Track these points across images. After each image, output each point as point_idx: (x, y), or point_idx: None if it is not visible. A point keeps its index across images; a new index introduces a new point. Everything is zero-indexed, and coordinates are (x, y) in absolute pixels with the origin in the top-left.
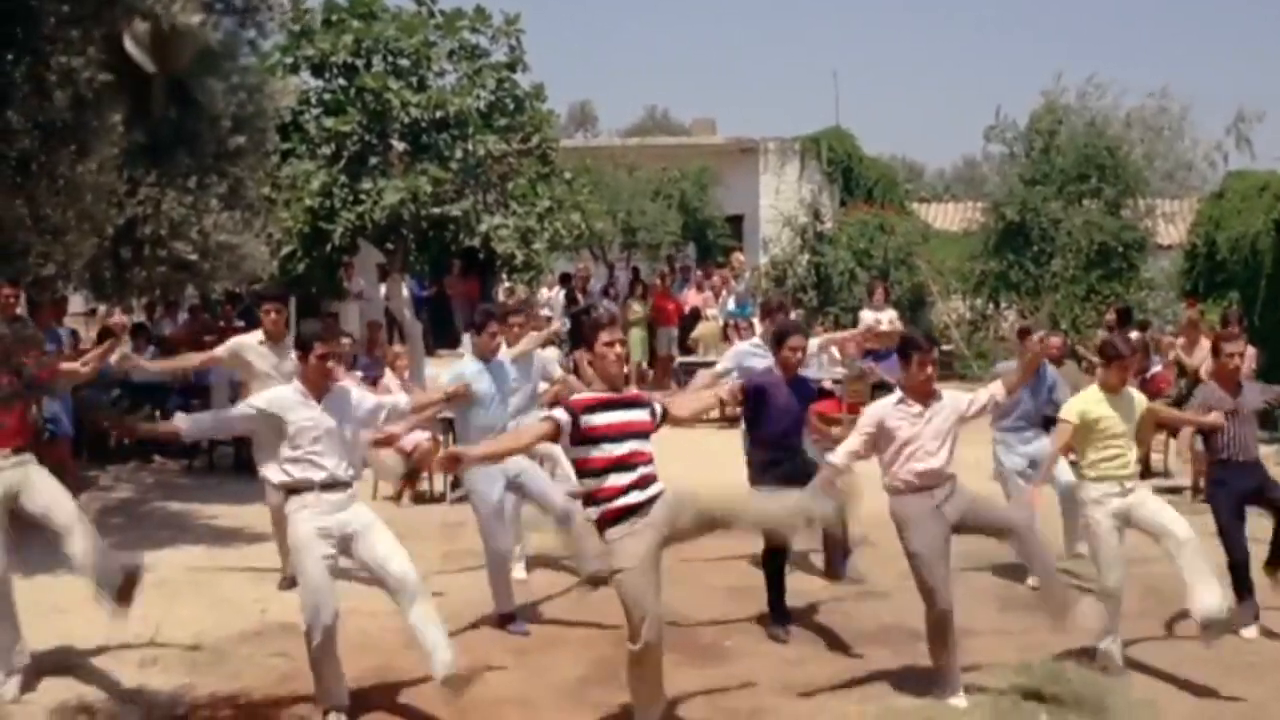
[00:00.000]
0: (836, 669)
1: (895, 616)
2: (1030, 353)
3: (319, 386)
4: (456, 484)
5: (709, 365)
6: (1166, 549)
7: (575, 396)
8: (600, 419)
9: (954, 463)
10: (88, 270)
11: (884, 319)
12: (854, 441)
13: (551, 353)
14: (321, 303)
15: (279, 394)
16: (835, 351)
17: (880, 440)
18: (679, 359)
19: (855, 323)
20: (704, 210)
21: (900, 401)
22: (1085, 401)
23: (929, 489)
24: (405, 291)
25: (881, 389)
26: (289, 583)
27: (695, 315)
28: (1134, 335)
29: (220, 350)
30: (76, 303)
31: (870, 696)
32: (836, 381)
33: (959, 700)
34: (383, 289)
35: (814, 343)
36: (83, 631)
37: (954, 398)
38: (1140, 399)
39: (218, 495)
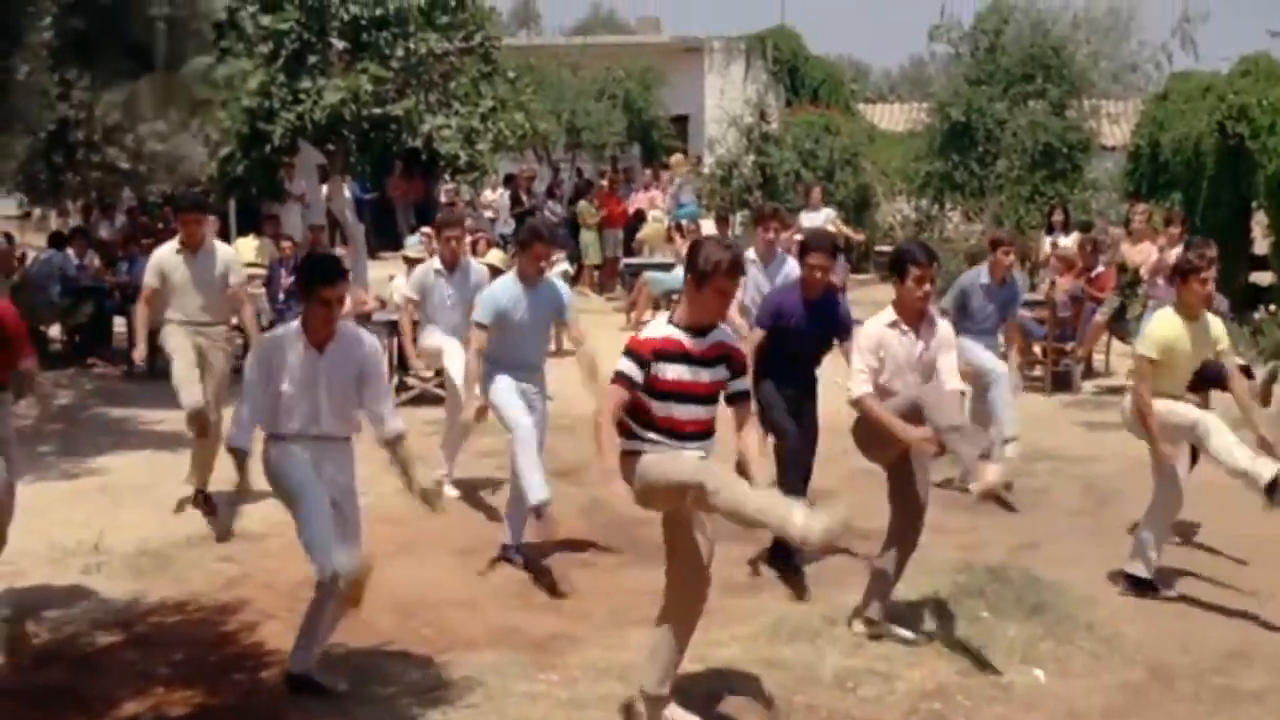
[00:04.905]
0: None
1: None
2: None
3: (320, 333)
4: (402, 387)
5: (654, 267)
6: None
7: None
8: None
9: None
10: (21, 173)
11: (820, 219)
12: (861, 365)
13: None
14: (262, 205)
15: (278, 337)
16: None
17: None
18: (624, 260)
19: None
20: (649, 110)
21: (892, 324)
22: (1166, 330)
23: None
24: (347, 193)
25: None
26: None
27: (640, 216)
28: (1075, 236)
29: (149, 279)
30: (8, 206)
31: (817, 596)
32: None
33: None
34: (324, 190)
35: None
36: (26, 539)
37: (945, 334)
38: (1219, 333)
39: (160, 401)
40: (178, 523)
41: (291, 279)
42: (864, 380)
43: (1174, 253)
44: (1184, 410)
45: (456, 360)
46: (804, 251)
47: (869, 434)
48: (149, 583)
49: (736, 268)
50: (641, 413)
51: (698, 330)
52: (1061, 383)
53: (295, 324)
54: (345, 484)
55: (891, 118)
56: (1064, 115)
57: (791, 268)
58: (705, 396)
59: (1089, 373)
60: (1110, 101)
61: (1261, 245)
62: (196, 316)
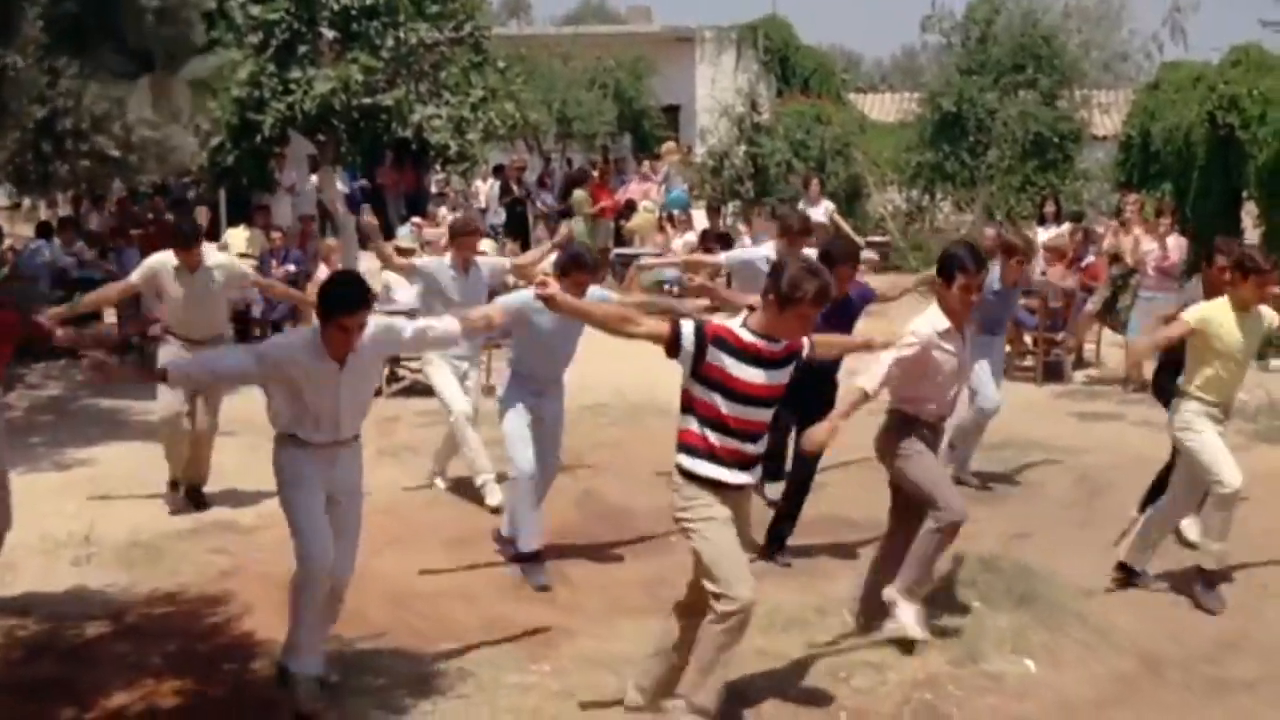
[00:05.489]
0: (774, 561)
1: (831, 507)
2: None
3: (340, 352)
4: (393, 378)
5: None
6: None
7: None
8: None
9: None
10: (10, 164)
11: (819, 214)
12: (891, 363)
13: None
14: (252, 195)
15: (290, 348)
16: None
17: (914, 368)
18: (615, 250)
19: None
20: (640, 100)
21: (945, 332)
22: (1213, 310)
23: (930, 425)
24: (337, 183)
25: None
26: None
27: (630, 206)
28: (1067, 226)
29: (134, 277)
30: None
31: (809, 587)
32: None
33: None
34: (314, 180)
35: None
36: (16, 530)
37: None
38: (1271, 316)
39: (149, 392)
40: (168, 514)
41: (283, 269)
42: (877, 378)
43: (1173, 242)
44: (1222, 455)
45: (441, 372)
46: (829, 261)
47: (886, 447)
48: (140, 574)
49: (823, 297)
50: (690, 404)
51: (772, 339)
52: (1053, 373)
53: (309, 335)
54: (351, 482)
55: (883, 108)
56: (1055, 105)
57: None
58: (764, 399)
59: (1080, 363)
60: (1101, 91)
61: (1252, 235)
62: (191, 334)
